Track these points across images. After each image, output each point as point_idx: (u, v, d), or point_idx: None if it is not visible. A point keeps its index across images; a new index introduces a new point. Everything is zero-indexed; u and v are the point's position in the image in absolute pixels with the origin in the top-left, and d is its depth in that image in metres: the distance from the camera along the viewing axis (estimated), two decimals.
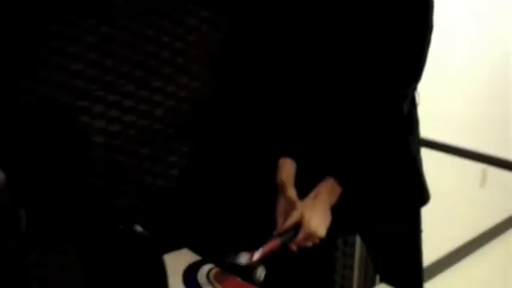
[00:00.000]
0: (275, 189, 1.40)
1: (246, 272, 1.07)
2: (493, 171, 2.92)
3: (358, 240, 1.86)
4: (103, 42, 1.17)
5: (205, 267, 1.18)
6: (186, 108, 1.33)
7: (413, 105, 1.33)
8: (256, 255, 1.10)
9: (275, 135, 1.35)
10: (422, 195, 1.39)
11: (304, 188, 1.32)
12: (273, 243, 1.14)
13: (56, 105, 1.09)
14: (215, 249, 1.28)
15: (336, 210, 1.39)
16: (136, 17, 1.21)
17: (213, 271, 1.17)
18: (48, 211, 0.86)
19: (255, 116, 1.38)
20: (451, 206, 2.90)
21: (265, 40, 1.28)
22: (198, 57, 1.33)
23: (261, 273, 1.07)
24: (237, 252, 1.13)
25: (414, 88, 1.29)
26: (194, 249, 1.25)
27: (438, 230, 2.80)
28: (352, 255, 1.90)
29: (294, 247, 1.23)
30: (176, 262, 1.17)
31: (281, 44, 1.26)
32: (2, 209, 0.74)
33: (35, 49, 1.09)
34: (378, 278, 1.58)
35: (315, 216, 1.21)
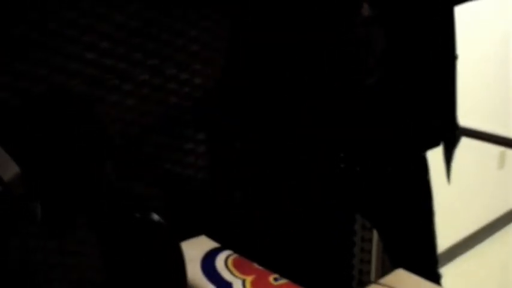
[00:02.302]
0: (290, 174, 1.40)
1: None
2: None
3: None
4: (117, 31, 1.17)
5: (223, 254, 1.18)
6: (201, 95, 1.33)
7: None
8: None
9: (290, 122, 1.35)
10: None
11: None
12: None
13: (71, 95, 1.10)
14: (234, 236, 1.29)
15: (351, 192, 1.39)
16: (149, 4, 1.20)
17: (231, 257, 1.17)
18: (66, 200, 0.87)
19: (270, 100, 1.37)
20: (469, 188, 2.89)
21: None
22: (212, 43, 1.32)
23: None
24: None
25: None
26: (212, 236, 1.25)
27: (456, 212, 2.79)
28: (370, 240, 1.90)
29: None
30: (194, 249, 1.17)
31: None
32: (17, 200, 0.75)
33: (49, 38, 1.10)
34: None
35: None
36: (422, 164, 1.40)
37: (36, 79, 1.08)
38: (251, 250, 1.20)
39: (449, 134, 1.36)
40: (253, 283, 1.09)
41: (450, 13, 1.26)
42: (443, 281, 1.48)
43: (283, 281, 1.10)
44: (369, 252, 1.91)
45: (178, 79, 1.29)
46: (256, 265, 1.15)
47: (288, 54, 1.27)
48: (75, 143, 0.88)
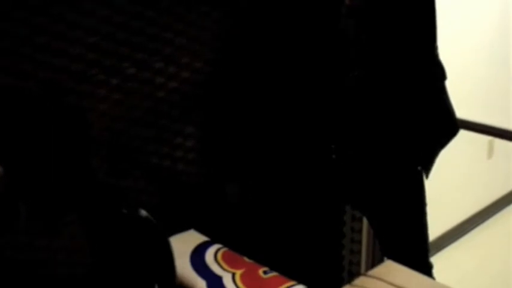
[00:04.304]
0: (280, 165, 1.40)
1: None
2: (500, 143, 2.92)
3: None
4: (102, 25, 1.16)
5: (213, 248, 1.18)
6: (189, 88, 1.32)
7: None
8: None
9: (282, 113, 1.35)
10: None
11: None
12: None
13: (57, 90, 1.09)
14: (223, 230, 1.29)
15: (342, 183, 1.40)
16: None
17: (221, 251, 1.18)
18: (52, 197, 0.87)
19: (260, 93, 1.37)
20: (458, 178, 2.90)
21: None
22: (199, 36, 1.32)
23: None
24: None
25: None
26: (201, 230, 1.25)
27: (445, 202, 2.81)
28: (360, 231, 1.91)
29: None
30: (183, 243, 1.17)
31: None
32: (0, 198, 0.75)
33: (34, 34, 1.09)
34: None
35: None
36: (413, 154, 1.41)
37: (21, 75, 1.07)
38: (241, 244, 1.20)
39: (439, 129, 1.37)
40: (243, 276, 1.10)
41: (431, 5, 1.26)
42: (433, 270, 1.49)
43: (272, 274, 1.11)
44: (359, 242, 1.92)
45: (166, 73, 1.29)
46: (246, 259, 1.15)
47: (274, 47, 1.27)
48: (59, 139, 0.88)
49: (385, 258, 1.53)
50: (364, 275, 1.07)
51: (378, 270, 1.07)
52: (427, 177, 1.41)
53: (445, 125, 1.38)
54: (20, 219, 0.78)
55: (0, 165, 0.73)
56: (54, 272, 1.05)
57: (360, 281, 1.05)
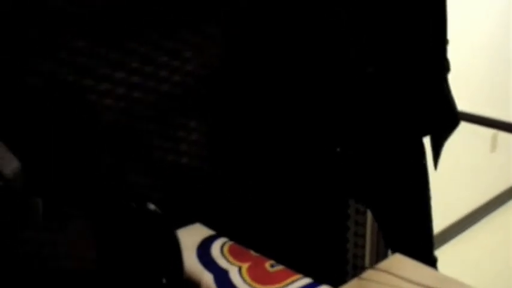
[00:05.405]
0: (285, 159, 1.40)
1: None
2: (504, 136, 2.91)
3: None
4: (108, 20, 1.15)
5: (219, 241, 1.18)
6: (192, 82, 1.32)
7: None
8: None
9: (286, 106, 1.34)
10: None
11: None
12: None
13: (62, 85, 1.09)
14: (229, 223, 1.29)
15: (346, 177, 1.39)
16: None
17: (227, 245, 1.17)
18: (66, 192, 0.86)
19: (265, 87, 1.37)
20: (462, 171, 2.90)
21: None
22: (203, 29, 1.31)
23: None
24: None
25: None
26: (207, 224, 1.25)
27: (449, 196, 2.81)
28: (364, 224, 1.91)
29: None
30: (189, 237, 1.17)
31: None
32: (17, 196, 0.74)
33: (39, 29, 1.08)
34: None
35: None
36: (418, 148, 1.40)
37: (27, 70, 1.07)
38: (247, 237, 1.20)
39: (442, 120, 1.37)
40: (249, 270, 1.09)
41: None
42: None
43: (279, 267, 1.10)
44: (363, 236, 1.92)
45: (171, 67, 1.28)
46: (252, 252, 1.15)
47: (286, 42, 1.27)
48: (73, 134, 0.88)
49: (389, 252, 1.53)
50: (372, 268, 1.07)
51: (385, 264, 1.07)
52: (435, 168, 1.41)
53: (446, 117, 1.38)
54: (38, 215, 0.77)
55: (18, 161, 0.73)
56: (61, 266, 1.05)
57: (368, 274, 1.05)
